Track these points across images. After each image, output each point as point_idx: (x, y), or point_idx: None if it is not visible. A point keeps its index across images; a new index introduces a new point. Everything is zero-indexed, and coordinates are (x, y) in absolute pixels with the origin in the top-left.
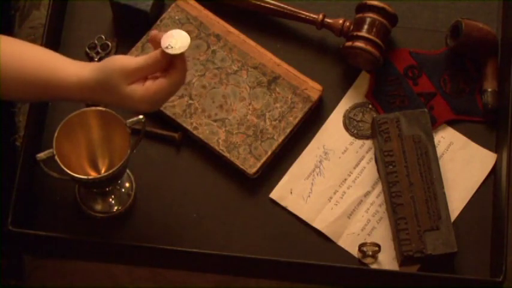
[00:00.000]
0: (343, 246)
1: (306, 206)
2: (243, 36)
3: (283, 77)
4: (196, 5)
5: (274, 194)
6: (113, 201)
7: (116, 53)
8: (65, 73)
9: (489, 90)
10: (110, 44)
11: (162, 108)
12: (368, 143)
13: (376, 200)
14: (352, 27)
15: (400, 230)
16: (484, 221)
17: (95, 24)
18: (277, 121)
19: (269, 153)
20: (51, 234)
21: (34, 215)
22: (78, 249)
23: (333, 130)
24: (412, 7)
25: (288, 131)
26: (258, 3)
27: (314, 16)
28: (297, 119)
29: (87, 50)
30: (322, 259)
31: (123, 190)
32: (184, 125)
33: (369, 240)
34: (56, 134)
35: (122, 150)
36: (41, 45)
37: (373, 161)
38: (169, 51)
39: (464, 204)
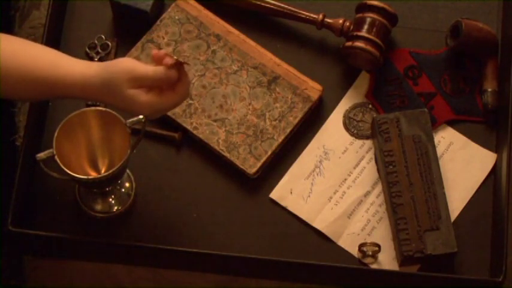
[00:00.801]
0: (343, 246)
1: (306, 206)
2: (243, 36)
3: (283, 77)
4: (196, 5)
5: (274, 194)
6: (113, 201)
7: (116, 53)
8: (69, 70)
9: (489, 90)
10: (110, 44)
11: None
12: (368, 143)
13: (376, 200)
14: (352, 27)
15: (400, 230)
16: (484, 221)
17: (95, 24)
18: (277, 121)
19: (269, 153)
20: (51, 234)
21: (34, 215)
22: (78, 249)
23: (333, 130)
24: (412, 7)
25: (288, 131)
26: (258, 3)
27: (314, 16)
28: (297, 119)
29: (87, 50)
30: (322, 259)
31: (123, 190)
32: (184, 125)
33: (369, 240)
34: (56, 134)
35: (122, 150)
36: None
37: (373, 161)
38: None
39: (464, 204)
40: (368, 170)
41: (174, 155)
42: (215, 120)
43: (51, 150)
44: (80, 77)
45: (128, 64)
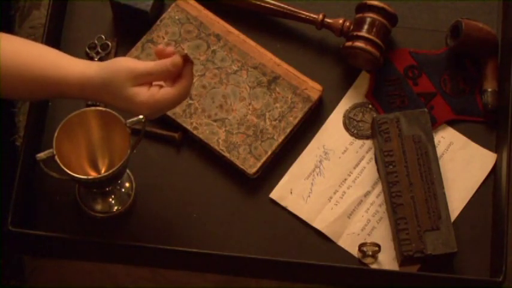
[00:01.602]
0: (343, 246)
1: (306, 206)
2: (243, 36)
3: (283, 77)
4: (196, 5)
5: (274, 194)
6: (113, 201)
7: (116, 53)
8: (69, 70)
9: (489, 90)
10: (110, 44)
11: None
12: (368, 143)
13: (376, 200)
14: (352, 27)
15: (400, 230)
16: (484, 221)
17: (95, 24)
18: (277, 121)
19: (269, 153)
20: (51, 234)
21: (34, 215)
22: (78, 249)
23: (333, 130)
24: (412, 7)
25: (288, 131)
26: (258, 3)
27: (314, 16)
28: (297, 119)
29: (87, 50)
30: (322, 259)
31: (123, 190)
32: (184, 125)
33: (369, 240)
34: (56, 134)
35: (122, 150)
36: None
37: (373, 161)
38: None
39: (464, 204)
40: (368, 170)
41: (174, 155)
42: (215, 120)
43: (51, 150)
44: (80, 76)
45: (127, 63)
